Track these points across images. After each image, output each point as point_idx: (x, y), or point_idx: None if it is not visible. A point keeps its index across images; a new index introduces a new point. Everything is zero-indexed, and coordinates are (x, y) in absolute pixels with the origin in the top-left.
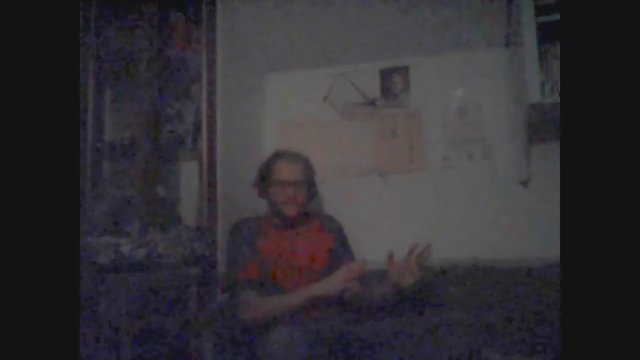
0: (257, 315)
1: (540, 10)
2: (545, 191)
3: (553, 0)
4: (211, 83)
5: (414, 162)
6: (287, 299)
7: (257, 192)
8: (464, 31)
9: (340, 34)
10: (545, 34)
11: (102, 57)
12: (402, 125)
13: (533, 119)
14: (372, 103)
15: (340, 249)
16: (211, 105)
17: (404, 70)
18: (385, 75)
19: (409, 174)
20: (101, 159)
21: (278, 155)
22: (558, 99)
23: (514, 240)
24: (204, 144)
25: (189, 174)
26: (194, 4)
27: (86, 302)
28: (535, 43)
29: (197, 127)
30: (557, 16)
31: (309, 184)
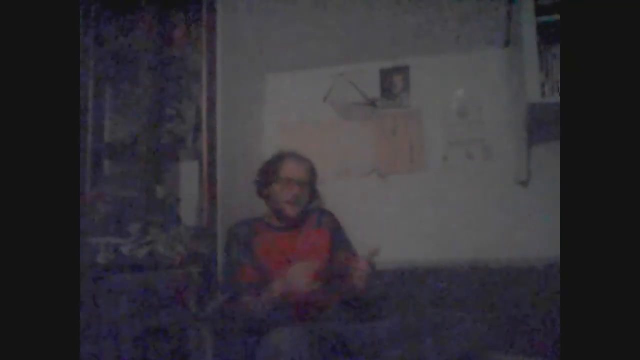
0: (254, 315)
1: (540, 10)
2: (545, 191)
3: (553, 0)
4: (211, 83)
5: (414, 162)
6: (262, 299)
7: (256, 191)
8: (464, 31)
9: (340, 34)
10: (545, 34)
11: (102, 57)
12: (402, 125)
13: (533, 119)
14: (372, 103)
15: (336, 242)
16: (211, 105)
17: (404, 70)
18: (385, 75)
19: (409, 174)
20: (101, 159)
21: (285, 155)
22: (558, 99)
23: (514, 240)
24: (204, 144)
25: (189, 174)
26: (194, 4)
27: (86, 302)
28: (535, 43)
29: (197, 127)
30: (557, 16)
31: (311, 188)
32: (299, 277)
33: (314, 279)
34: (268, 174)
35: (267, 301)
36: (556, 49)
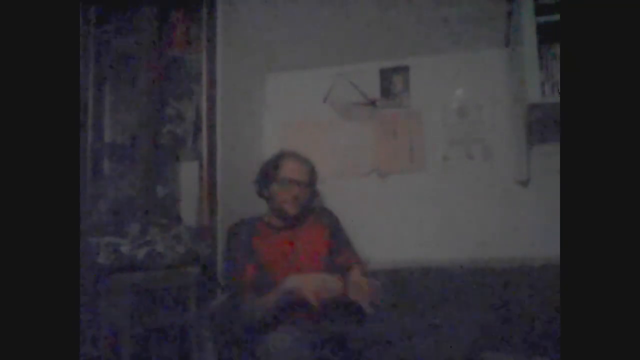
0: (253, 317)
1: (540, 10)
2: (545, 191)
3: (553, 0)
4: (211, 83)
5: (414, 162)
6: (269, 296)
7: (256, 191)
8: (464, 31)
9: (340, 34)
10: (545, 34)
11: (102, 57)
12: (402, 125)
13: (533, 119)
14: (372, 103)
15: (336, 242)
16: (211, 105)
17: (404, 70)
18: (385, 75)
19: (409, 174)
20: (101, 159)
21: (286, 155)
22: (558, 99)
23: (514, 240)
24: (204, 144)
25: (189, 174)
26: (194, 4)
27: (86, 302)
28: (535, 43)
29: (197, 127)
30: (557, 16)
31: (312, 188)
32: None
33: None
34: (268, 174)
35: (273, 297)
36: (556, 49)
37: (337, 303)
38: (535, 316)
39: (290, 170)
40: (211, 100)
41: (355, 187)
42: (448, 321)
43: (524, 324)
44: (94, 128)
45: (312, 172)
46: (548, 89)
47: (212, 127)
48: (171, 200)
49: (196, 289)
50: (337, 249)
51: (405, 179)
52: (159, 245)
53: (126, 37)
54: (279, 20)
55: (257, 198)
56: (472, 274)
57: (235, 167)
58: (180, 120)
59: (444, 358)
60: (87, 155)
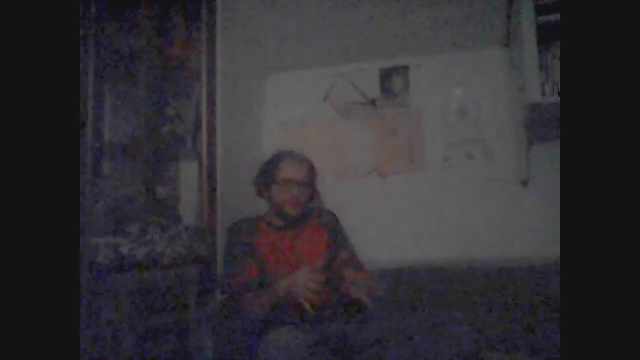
0: (253, 317)
1: (540, 10)
2: (545, 191)
3: (553, 0)
4: (211, 83)
5: (414, 162)
6: (265, 299)
7: (256, 191)
8: (464, 31)
9: (340, 34)
10: (545, 34)
11: (102, 57)
12: (402, 125)
13: (533, 119)
14: (372, 103)
15: (336, 242)
16: (211, 105)
17: (404, 70)
18: (385, 75)
19: (409, 174)
20: (101, 159)
21: (285, 155)
22: (558, 99)
23: (514, 240)
24: (204, 144)
25: (189, 174)
26: (194, 4)
27: (86, 302)
28: (535, 43)
29: (197, 127)
30: (557, 16)
31: (312, 187)
32: (303, 281)
33: (317, 284)
34: (268, 174)
35: (269, 300)
36: (556, 49)
37: (337, 303)
38: (535, 316)
39: (289, 170)
40: (211, 100)
41: (355, 187)
42: (448, 321)
43: (524, 324)
44: (94, 128)
45: (311, 172)
46: (548, 89)
47: (212, 127)
48: (171, 200)
49: (196, 289)
50: (337, 249)
51: (405, 179)
52: (159, 245)
53: (126, 37)
54: (279, 20)
55: (257, 198)
56: (472, 274)
57: (235, 167)
58: (180, 120)
59: (444, 358)
60: (87, 155)
